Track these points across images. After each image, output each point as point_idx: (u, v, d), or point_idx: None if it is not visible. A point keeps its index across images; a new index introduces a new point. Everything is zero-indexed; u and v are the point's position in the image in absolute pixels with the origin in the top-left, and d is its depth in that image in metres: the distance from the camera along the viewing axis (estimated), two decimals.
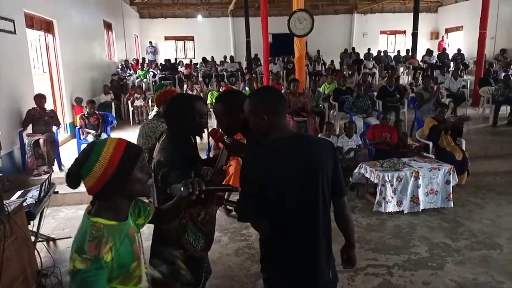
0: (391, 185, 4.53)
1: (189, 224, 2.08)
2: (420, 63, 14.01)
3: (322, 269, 1.74)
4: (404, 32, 18.92)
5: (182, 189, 1.44)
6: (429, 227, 4.25)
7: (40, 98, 5.94)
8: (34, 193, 3.60)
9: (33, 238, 3.42)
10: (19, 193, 3.68)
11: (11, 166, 5.64)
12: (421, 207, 4.60)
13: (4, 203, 2.78)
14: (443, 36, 18.29)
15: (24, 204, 3.17)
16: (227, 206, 4.66)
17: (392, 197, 4.55)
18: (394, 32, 19.71)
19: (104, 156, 1.26)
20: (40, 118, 5.85)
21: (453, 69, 11.64)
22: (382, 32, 19.52)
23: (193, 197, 1.47)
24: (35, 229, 3.59)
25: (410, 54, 14.62)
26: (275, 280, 1.80)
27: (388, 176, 4.52)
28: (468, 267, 3.42)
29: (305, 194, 1.65)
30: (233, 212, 4.62)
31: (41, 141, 5.60)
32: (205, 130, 2.20)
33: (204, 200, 2.16)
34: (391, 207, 4.56)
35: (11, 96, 5.81)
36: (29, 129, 5.91)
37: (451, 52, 15.27)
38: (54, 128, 6.03)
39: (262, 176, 1.63)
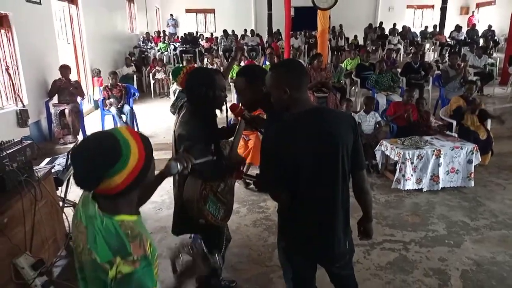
0: (411, 163, 4.49)
1: (210, 195, 2.14)
2: (448, 40, 13.52)
3: (339, 240, 1.78)
4: (432, 6, 18.17)
5: (178, 165, 1.56)
6: (448, 206, 4.22)
7: (65, 69, 6.06)
8: (61, 160, 3.75)
9: (60, 204, 3.59)
10: (47, 160, 3.83)
11: (38, 134, 5.84)
12: (441, 185, 4.56)
13: (34, 169, 2.92)
14: (473, 11, 17.50)
15: (52, 170, 3.31)
16: (246, 180, 4.73)
17: (412, 175, 4.52)
18: (421, 7, 18.95)
19: (134, 150, 1.15)
20: (65, 88, 5.99)
21: (482, 46, 11.21)
22: (409, 6, 18.77)
23: (185, 171, 1.59)
24: (62, 195, 3.75)
25: (437, 29, 14.11)
26: (293, 250, 1.86)
27: (408, 153, 4.48)
28: (486, 246, 3.41)
29: (325, 166, 1.67)
30: (252, 185, 4.70)
31: (66, 111, 5.76)
32: (225, 104, 2.23)
33: (224, 175, 2.22)
34: (410, 184, 4.54)
35: (37, 67, 5.95)
36: (55, 99, 6.07)
37: (481, 28, 14.62)
38: (79, 99, 6.17)
39: (283, 149, 1.65)
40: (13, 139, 2.81)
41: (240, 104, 2.18)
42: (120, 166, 1.12)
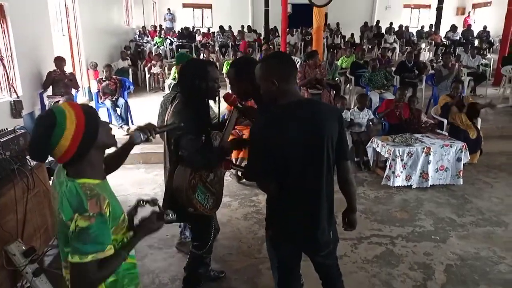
0: (401, 160, 4.56)
1: (199, 184, 2.18)
2: (443, 40, 13.62)
3: (323, 229, 1.83)
4: (429, 6, 18.26)
5: (141, 135, 1.65)
6: (436, 203, 4.30)
7: (60, 61, 6.07)
8: None
9: None
10: None
11: (32, 126, 5.83)
12: (430, 182, 4.63)
13: (27, 158, 2.95)
14: (469, 12, 17.61)
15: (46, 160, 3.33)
16: (239, 173, 4.80)
17: (402, 172, 4.59)
18: (418, 6, 19.06)
19: (70, 116, 1.26)
20: (60, 80, 6.01)
21: (477, 46, 11.31)
22: (405, 6, 18.88)
23: (150, 139, 1.71)
24: None
25: (433, 29, 14.21)
26: (279, 238, 1.91)
27: (399, 150, 4.54)
28: (471, 242, 3.48)
29: (310, 156, 1.72)
30: (244, 180, 4.75)
31: (61, 103, 5.76)
32: (218, 94, 2.27)
33: (213, 165, 2.26)
34: (400, 181, 4.61)
35: (32, 58, 5.94)
36: (49, 91, 6.08)
37: (477, 29, 14.73)
38: (73, 91, 6.18)
39: (270, 140, 1.70)
40: (7, 128, 2.84)
41: (233, 94, 2.22)
42: (59, 132, 1.25)
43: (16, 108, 5.22)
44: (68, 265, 1.30)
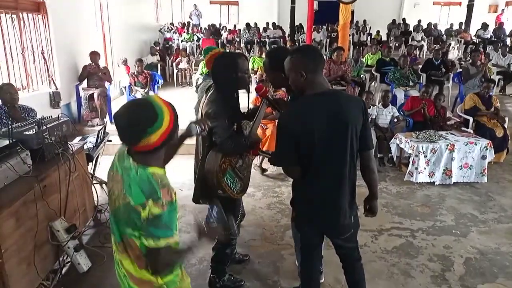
0: (425, 156, 4.59)
1: (228, 169, 2.34)
2: (473, 38, 13.31)
3: (345, 213, 1.95)
4: (460, 3, 17.78)
5: (197, 127, 1.89)
6: (458, 199, 4.32)
7: (94, 55, 6.37)
8: (91, 139, 4.04)
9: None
10: (78, 138, 4.13)
11: (68, 116, 6.12)
12: (453, 180, 4.65)
13: (69, 143, 3.19)
14: (502, 10, 17.06)
15: (84, 147, 3.59)
16: (263, 165, 4.95)
17: (425, 168, 4.62)
18: (448, 3, 18.59)
19: (166, 115, 1.36)
20: (95, 73, 6.31)
21: (509, 45, 11.01)
22: (435, 3, 18.46)
23: (203, 132, 1.92)
24: (91, 172, 4.04)
25: (462, 27, 13.90)
26: (303, 219, 2.05)
27: (422, 147, 4.58)
28: (492, 237, 3.51)
29: (334, 144, 1.84)
30: (267, 172, 4.91)
31: (95, 95, 6.07)
32: (248, 85, 2.43)
33: (243, 151, 2.42)
34: (423, 177, 4.64)
35: (69, 52, 6.27)
36: (84, 83, 6.39)
37: (509, 27, 14.28)
38: (107, 84, 6.48)
39: (296, 126, 1.83)
40: (51, 116, 3.09)
41: (264, 87, 2.38)
42: (157, 126, 1.34)
43: (55, 99, 5.55)
44: (127, 246, 1.46)
